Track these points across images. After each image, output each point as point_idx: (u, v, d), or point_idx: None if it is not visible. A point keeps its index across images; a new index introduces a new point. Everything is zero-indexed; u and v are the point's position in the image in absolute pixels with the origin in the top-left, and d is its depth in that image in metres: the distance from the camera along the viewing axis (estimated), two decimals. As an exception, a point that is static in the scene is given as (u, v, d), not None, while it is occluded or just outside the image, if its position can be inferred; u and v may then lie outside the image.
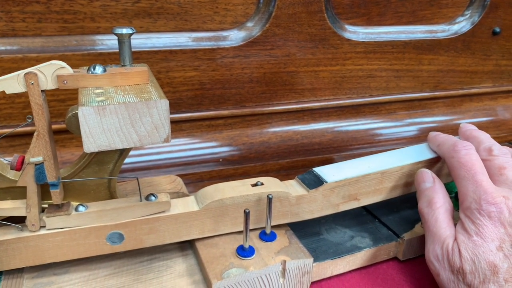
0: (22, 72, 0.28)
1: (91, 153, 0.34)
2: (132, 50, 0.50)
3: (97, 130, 0.27)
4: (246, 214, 0.33)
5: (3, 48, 0.46)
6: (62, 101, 0.50)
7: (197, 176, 0.54)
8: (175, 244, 0.38)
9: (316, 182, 0.38)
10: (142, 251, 0.37)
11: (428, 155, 0.41)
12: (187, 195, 0.39)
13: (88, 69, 0.30)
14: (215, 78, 0.54)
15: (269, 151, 0.57)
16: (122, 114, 0.27)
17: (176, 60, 0.52)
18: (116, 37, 0.34)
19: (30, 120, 0.30)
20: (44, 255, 0.33)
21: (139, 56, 0.51)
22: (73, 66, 0.49)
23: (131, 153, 0.43)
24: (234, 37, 0.53)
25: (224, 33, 0.53)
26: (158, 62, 0.51)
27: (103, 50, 0.49)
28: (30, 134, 0.48)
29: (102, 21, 0.49)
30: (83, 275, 0.35)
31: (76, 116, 0.32)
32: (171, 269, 0.36)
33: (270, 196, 0.35)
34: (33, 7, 0.46)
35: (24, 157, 0.31)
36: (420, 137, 0.63)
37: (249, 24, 0.53)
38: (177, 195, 0.39)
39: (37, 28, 0.47)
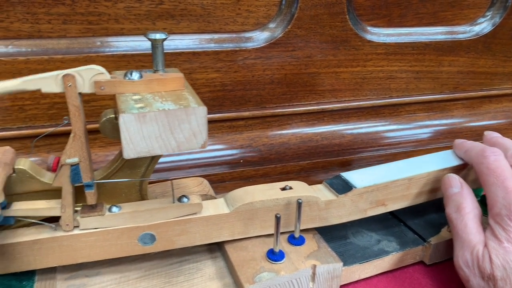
0: (61, 73, 0.28)
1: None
2: (156, 51, 0.51)
3: (137, 136, 0.27)
4: (277, 219, 0.33)
5: (29, 49, 0.47)
6: (86, 102, 0.50)
7: (218, 177, 0.54)
8: (203, 247, 0.39)
9: (344, 187, 0.38)
10: (171, 254, 0.38)
11: (454, 161, 0.41)
12: (215, 198, 0.40)
13: (125, 75, 0.30)
14: (237, 79, 0.54)
15: (289, 152, 0.57)
16: (161, 121, 0.27)
17: (199, 61, 0.52)
18: (148, 41, 0.34)
19: (66, 121, 0.30)
20: (76, 254, 0.34)
21: (162, 58, 0.51)
22: (97, 67, 0.50)
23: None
24: (256, 38, 0.53)
25: (246, 35, 0.53)
26: (181, 63, 0.51)
27: (127, 51, 0.50)
28: (54, 135, 0.49)
29: (125, 22, 0.49)
30: (115, 277, 0.35)
31: (110, 121, 0.33)
32: (201, 271, 0.36)
33: (300, 201, 0.35)
34: (59, 9, 0.46)
35: (59, 158, 0.31)
36: (439, 139, 0.63)
37: (271, 26, 0.53)
38: (205, 197, 0.39)
39: (62, 29, 0.47)
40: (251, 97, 0.55)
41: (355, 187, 0.37)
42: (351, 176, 0.39)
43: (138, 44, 0.50)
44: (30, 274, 0.34)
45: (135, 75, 0.30)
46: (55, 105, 0.50)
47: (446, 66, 0.61)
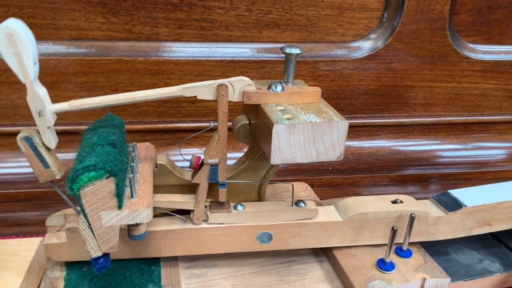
0: (215, 83, 0.31)
1: (250, 159, 0.37)
2: (260, 59, 0.53)
3: (285, 145, 0.29)
4: (394, 231, 0.35)
5: (148, 50, 0.51)
6: (193, 102, 0.53)
7: (308, 182, 0.55)
8: (309, 250, 0.40)
9: (454, 205, 0.38)
10: (280, 253, 0.40)
11: None
12: (321, 204, 0.42)
13: (269, 87, 0.32)
14: (332, 88, 0.56)
15: (378, 163, 0.58)
16: (307, 132, 0.29)
17: (298, 70, 0.54)
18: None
19: (212, 125, 0.33)
20: (201, 246, 0.36)
21: (265, 65, 0.53)
22: (207, 71, 0.53)
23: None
24: (356, 49, 0.54)
25: (346, 46, 0.54)
26: (282, 71, 0.53)
27: (234, 57, 0.52)
28: (160, 131, 0.53)
29: (235, 30, 0.51)
30: (231, 271, 0.38)
31: (244, 126, 0.35)
32: (311, 273, 0.38)
33: (414, 215, 0.36)
34: (176, 14, 0.50)
35: (200, 158, 0.34)
36: (531, 160, 0.62)
37: (371, 38, 0.54)
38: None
39: (177, 33, 0.51)
40: (343, 106, 0.57)
41: (465, 206, 0.38)
42: (459, 193, 0.39)
43: (244, 51, 0.53)
44: (156, 261, 0.38)
45: (279, 87, 0.32)
46: (164, 103, 0.53)
47: (543, 86, 0.60)
